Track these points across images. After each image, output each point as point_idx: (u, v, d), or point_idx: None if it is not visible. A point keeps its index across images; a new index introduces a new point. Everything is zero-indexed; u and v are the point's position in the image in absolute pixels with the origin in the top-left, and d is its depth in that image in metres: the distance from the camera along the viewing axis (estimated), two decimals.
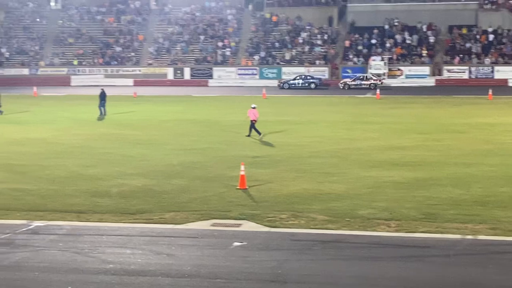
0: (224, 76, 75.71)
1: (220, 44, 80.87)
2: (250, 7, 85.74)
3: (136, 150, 30.22)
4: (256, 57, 77.83)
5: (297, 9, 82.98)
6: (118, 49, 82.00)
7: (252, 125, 33.67)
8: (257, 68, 76.20)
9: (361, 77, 68.49)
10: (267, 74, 75.00)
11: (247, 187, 21.72)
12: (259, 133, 33.45)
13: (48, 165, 26.40)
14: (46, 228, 17.48)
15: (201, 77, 76.79)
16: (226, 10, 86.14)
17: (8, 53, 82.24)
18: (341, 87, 67.22)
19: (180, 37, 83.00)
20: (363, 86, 66.48)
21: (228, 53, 79.63)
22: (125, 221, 18.06)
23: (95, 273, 13.78)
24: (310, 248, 15.63)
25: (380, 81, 67.68)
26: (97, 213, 18.88)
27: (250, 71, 76.17)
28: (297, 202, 19.91)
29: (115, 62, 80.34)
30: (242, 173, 21.85)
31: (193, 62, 79.33)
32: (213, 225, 17.59)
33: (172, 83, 74.98)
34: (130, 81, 74.50)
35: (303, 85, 68.34)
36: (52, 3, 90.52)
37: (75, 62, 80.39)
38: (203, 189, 21.89)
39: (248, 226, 17.48)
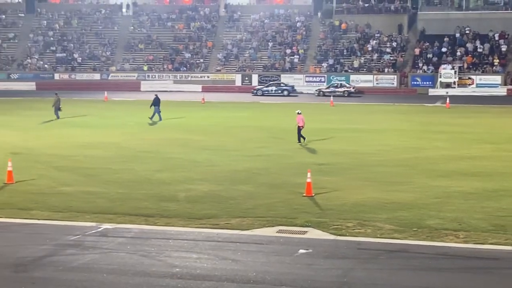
0: (291, 83, 75.76)
1: (288, 51, 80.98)
2: (319, 14, 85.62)
3: (202, 155, 30.50)
4: (324, 65, 77.59)
5: (367, 17, 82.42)
6: (187, 55, 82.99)
7: (299, 131, 34.19)
8: (325, 75, 75.91)
9: (336, 84, 70.50)
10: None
11: (313, 194, 21.67)
12: (301, 140, 34.10)
13: (117, 169, 26.89)
14: (114, 230, 17.79)
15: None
16: (295, 17, 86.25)
17: (80, 58, 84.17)
18: (316, 94, 68.95)
19: (248, 44, 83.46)
20: (337, 93, 67.65)
21: (296, 60, 79.65)
22: (192, 225, 18.23)
23: (161, 277, 13.95)
24: (376, 257, 15.47)
25: (353, 88, 69.26)
26: (164, 217, 19.11)
27: (318, 78, 75.93)
28: (364, 210, 19.75)
29: (184, 68, 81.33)
30: (308, 180, 21.81)
31: (261, 69, 79.62)
32: (279, 231, 17.59)
33: (240, 90, 75.42)
34: (198, 87, 75.23)
35: (276, 92, 69.29)
36: (124, 10, 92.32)
37: (145, 68, 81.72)
38: (269, 196, 21.93)
39: (314, 233, 17.42)
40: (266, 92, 69.57)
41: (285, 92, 69.31)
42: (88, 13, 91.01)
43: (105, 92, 64.50)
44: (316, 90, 70.13)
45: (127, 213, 19.55)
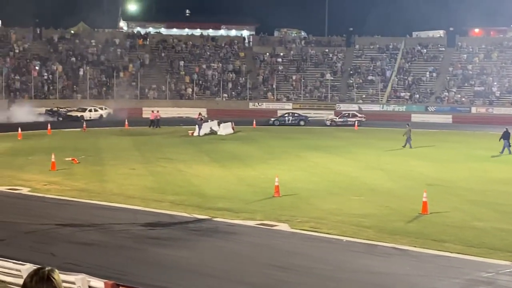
0: None
1: None
2: None
3: None
4: None
5: None
6: None
7: None
8: None
9: (347, 114, 70.35)
10: None
11: None
12: None
13: None
14: None
15: None
16: None
17: (498, 92, 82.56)
18: (328, 124, 67.99)
19: None
20: (349, 123, 67.15)
21: None
22: None
23: None
24: None
25: (365, 118, 68.61)
26: None
27: None
28: None
29: None
30: None
31: None
32: None
33: None
34: None
35: (293, 122, 67.91)
36: None
37: None
38: None
39: None
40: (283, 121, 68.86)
41: (302, 122, 68.08)
42: (510, 46, 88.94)
43: None
44: (327, 120, 69.19)
45: None
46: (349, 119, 69.25)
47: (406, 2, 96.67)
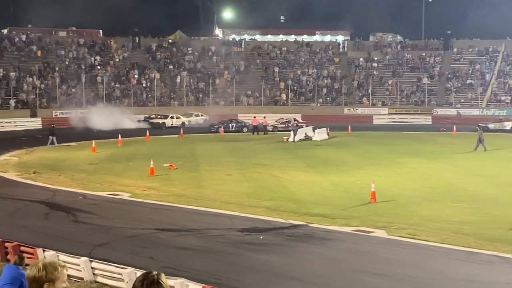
0: None
1: None
2: None
3: None
4: None
5: None
6: None
7: None
8: None
9: (288, 120, 67.87)
10: None
11: None
12: None
13: None
14: None
15: None
16: None
17: None
18: (271, 130, 64.53)
19: None
20: (290, 128, 63.03)
21: None
22: None
23: None
24: None
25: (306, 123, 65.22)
26: None
27: None
28: None
29: None
30: None
31: None
32: None
33: None
34: None
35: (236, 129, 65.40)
36: None
37: None
38: None
39: None
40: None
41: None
42: None
43: None
44: (268, 126, 65.06)
45: None
46: (290, 124, 66.91)
47: (506, 3, 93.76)
